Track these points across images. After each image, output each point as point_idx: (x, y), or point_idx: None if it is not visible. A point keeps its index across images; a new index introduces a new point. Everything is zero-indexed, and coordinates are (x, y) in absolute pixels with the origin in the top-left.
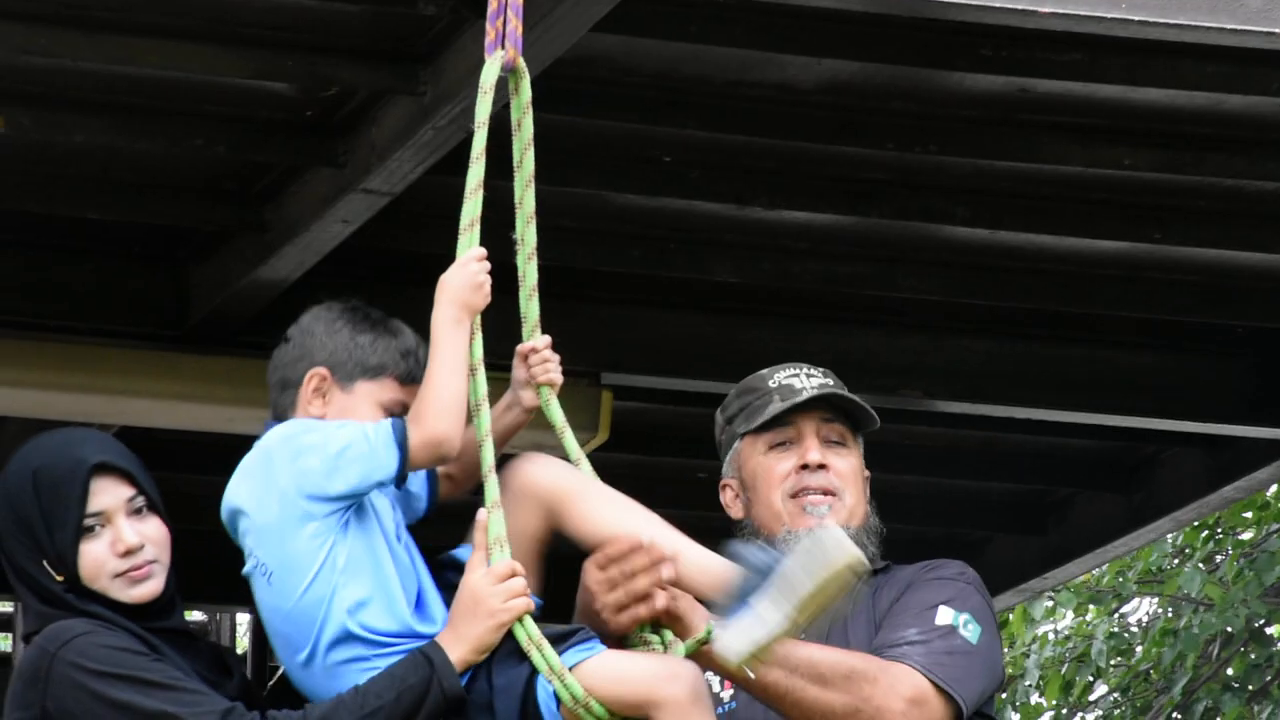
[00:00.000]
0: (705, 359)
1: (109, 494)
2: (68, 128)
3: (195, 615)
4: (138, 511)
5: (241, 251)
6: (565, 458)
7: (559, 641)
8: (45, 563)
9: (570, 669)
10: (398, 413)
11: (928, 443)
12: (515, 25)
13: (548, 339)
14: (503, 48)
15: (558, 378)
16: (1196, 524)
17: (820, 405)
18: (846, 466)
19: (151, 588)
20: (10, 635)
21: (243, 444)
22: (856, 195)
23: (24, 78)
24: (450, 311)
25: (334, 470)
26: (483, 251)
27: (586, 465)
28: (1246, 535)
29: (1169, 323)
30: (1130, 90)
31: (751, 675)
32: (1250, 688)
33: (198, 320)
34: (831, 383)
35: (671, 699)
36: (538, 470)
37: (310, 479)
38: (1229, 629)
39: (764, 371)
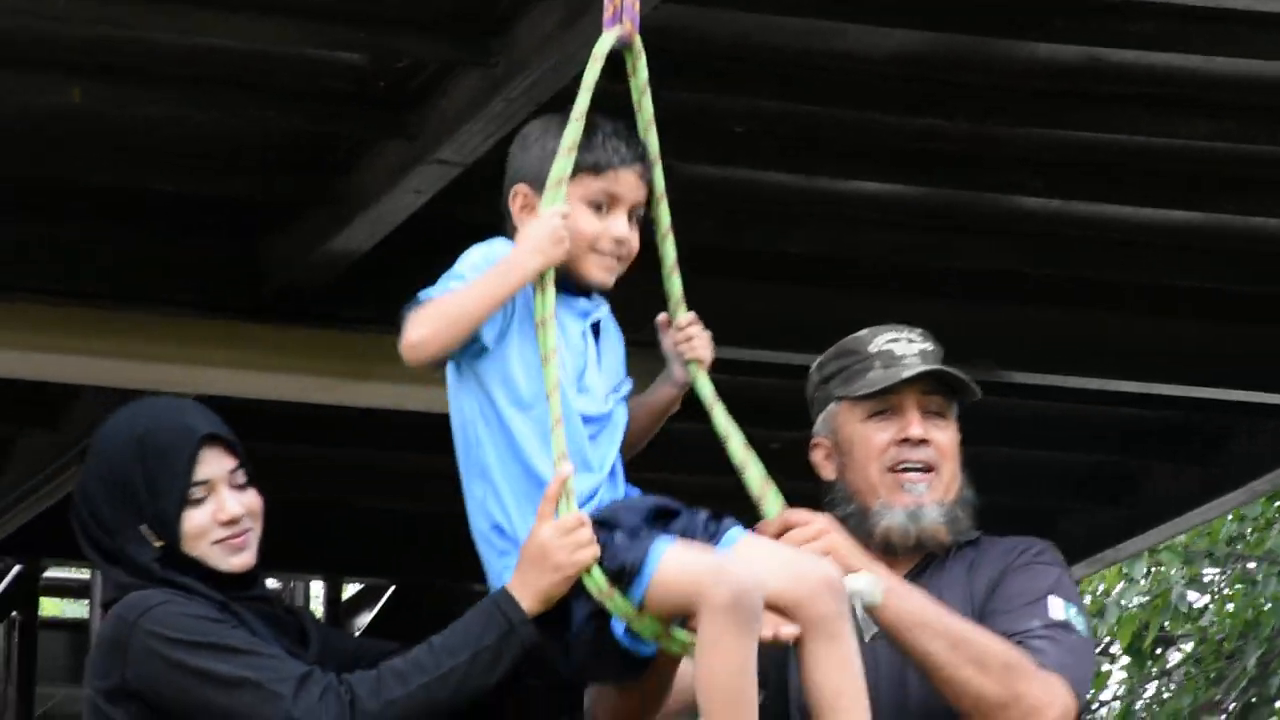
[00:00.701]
0: (775, 329)
1: (215, 464)
2: (141, 100)
3: (269, 583)
4: (239, 484)
5: (314, 223)
6: (715, 432)
7: (626, 579)
8: (143, 527)
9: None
10: (605, 203)
11: (1000, 413)
12: (633, 1)
13: (692, 315)
14: (620, 23)
15: (706, 354)
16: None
17: (923, 376)
18: (945, 439)
19: (247, 558)
20: (88, 602)
21: (317, 413)
22: (926, 166)
23: (98, 50)
24: (519, 254)
25: None
26: (567, 209)
27: (736, 438)
28: None
29: (1242, 293)
30: (1203, 60)
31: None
32: None
33: (272, 292)
34: (931, 348)
35: (709, 600)
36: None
37: None
38: None
39: (864, 333)
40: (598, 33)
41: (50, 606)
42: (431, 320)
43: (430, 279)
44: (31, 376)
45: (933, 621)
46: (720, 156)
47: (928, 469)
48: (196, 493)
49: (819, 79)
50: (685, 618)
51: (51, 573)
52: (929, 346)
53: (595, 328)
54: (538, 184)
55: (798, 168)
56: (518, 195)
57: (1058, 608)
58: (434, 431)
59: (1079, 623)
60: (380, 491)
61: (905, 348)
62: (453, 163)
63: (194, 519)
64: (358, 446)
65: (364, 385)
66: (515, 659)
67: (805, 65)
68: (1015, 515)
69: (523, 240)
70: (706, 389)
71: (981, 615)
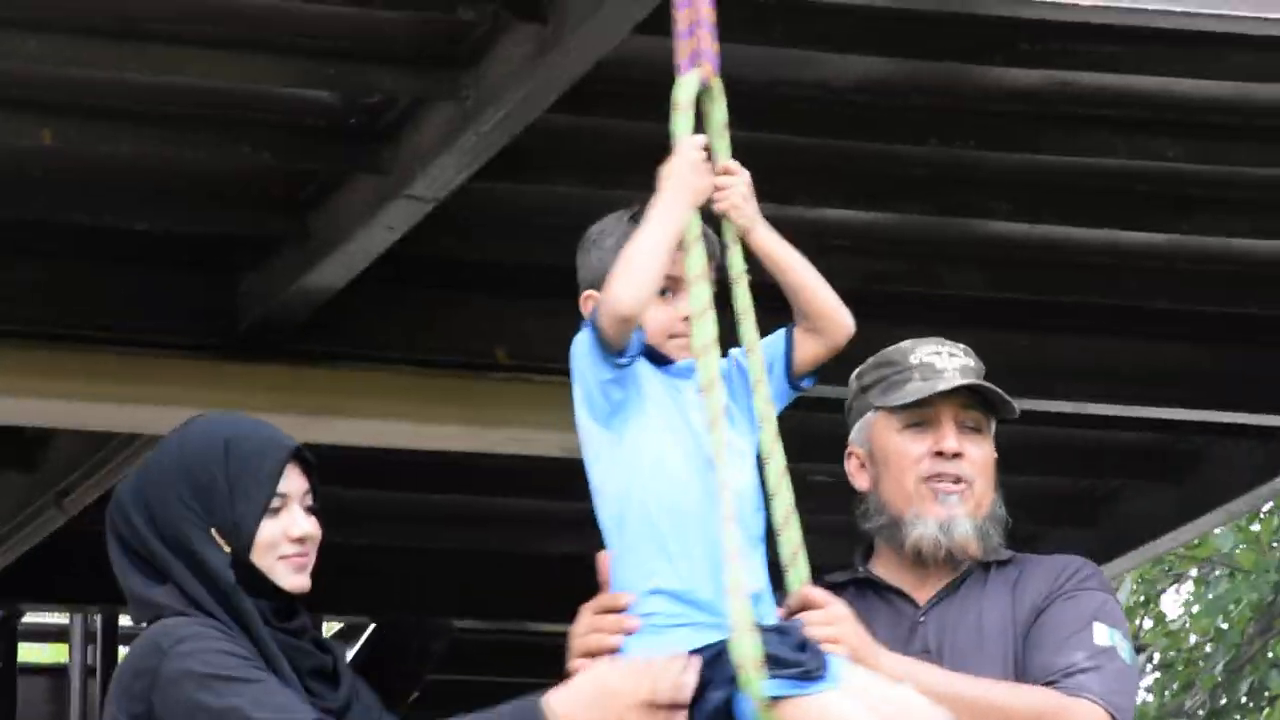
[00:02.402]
0: None
1: (295, 481)
2: (113, 138)
3: None
4: (308, 505)
5: (287, 260)
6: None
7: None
8: (214, 530)
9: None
10: (670, 287)
11: None
12: (710, 44)
13: (746, 175)
14: (699, 65)
15: (734, 212)
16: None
17: (962, 391)
18: (980, 455)
19: (305, 580)
20: (68, 646)
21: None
22: (896, 192)
23: (70, 89)
24: (663, 194)
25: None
26: (701, 139)
27: (757, 356)
28: None
29: (1213, 314)
30: (1171, 82)
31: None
32: None
33: (245, 329)
34: (973, 364)
35: None
36: None
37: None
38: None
39: (906, 344)
40: (568, 64)
41: (28, 652)
42: (616, 277)
43: (404, 314)
44: (5, 420)
45: (951, 697)
46: None
47: (961, 482)
48: (275, 503)
49: (787, 108)
50: None
51: (30, 618)
52: (970, 362)
53: None
54: (598, 285)
55: (769, 196)
56: (588, 301)
57: (1102, 634)
58: (409, 467)
59: (1123, 648)
60: (358, 528)
61: (946, 361)
62: (424, 199)
63: (268, 529)
64: (332, 484)
65: (338, 422)
66: None
67: (773, 95)
68: None
69: (664, 181)
70: (736, 262)
71: (1025, 639)
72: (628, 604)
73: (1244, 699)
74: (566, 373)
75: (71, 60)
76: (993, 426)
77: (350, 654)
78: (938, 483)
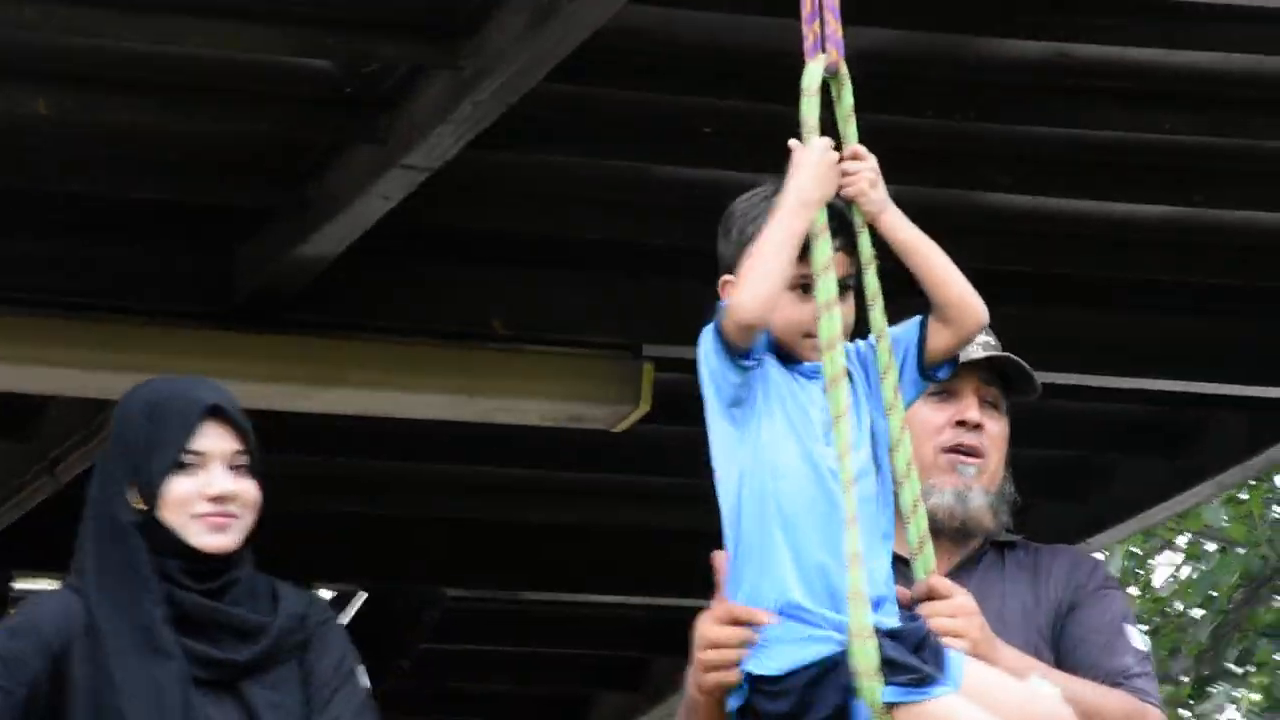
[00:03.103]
0: None
1: (216, 439)
2: (110, 107)
3: None
4: (238, 468)
5: (285, 229)
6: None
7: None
8: (134, 487)
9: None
10: (808, 284)
11: None
12: (835, 27)
13: (873, 161)
14: (824, 50)
15: (862, 198)
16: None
17: (982, 366)
18: (997, 430)
19: (225, 540)
20: None
21: (288, 419)
22: (896, 163)
23: (67, 58)
24: (790, 190)
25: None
26: (829, 141)
27: (886, 343)
28: None
29: (1211, 286)
30: (1171, 53)
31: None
32: None
33: (242, 298)
34: (994, 341)
35: None
36: None
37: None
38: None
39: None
40: (565, 34)
41: None
42: (741, 281)
43: (401, 283)
44: (1, 387)
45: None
46: (691, 158)
47: (979, 455)
48: (188, 459)
49: (789, 78)
50: None
51: (21, 584)
52: (990, 339)
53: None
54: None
55: (768, 167)
56: (726, 286)
57: (1136, 638)
58: (404, 436)
59: (1149, 649)
60: (351, 497)
61: None
62: (420, 168)
63: (181, 486)
64: (328, 452)
65: (334, 391)
66: None
67: (775, 65)
68: None
69: (792, 176)
70: (865, 245)
71: (1058, 633)
72: (754, 619)
73: (1231, 665)
74: (561, 342)
75: (68, 29)
76: (1007, 405)
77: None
78: (956, 453)
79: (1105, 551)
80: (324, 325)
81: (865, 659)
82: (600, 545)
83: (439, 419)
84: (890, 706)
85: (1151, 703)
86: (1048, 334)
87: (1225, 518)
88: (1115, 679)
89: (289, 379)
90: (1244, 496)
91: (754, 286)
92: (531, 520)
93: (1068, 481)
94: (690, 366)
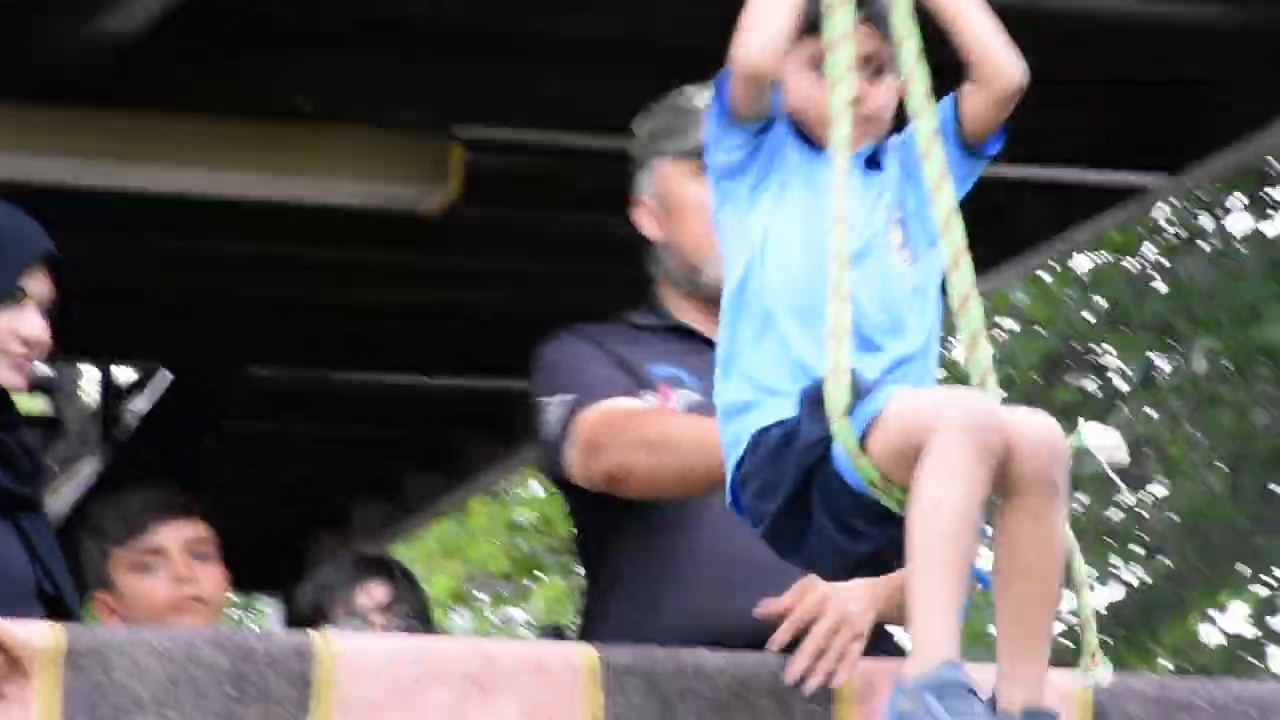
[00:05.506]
0: (563, 112)
1: (42, 284)
2: None
3: (43, 370)
4: (48, 311)
5: (84, 1)
6: None
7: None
8: None
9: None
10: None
11: None
12: None
13: None
14: None
15: None
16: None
17: None
18: None
19: (19, 381)
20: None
21: (92, 197)
22: None
23: None
24: None
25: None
26: None
27: (924, 121)
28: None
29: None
30: None
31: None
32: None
33: (42, 73)
34: None
35: (942, 420)
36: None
37: None
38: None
39: (691, 88)
40: None
41: None
42: (746, 26)
43: (206, 60)
44: None
45: None
46: None
47: None
48: (15, 298)
49: None
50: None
51: None
52: None
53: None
54: None
55: None
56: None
57: None
58: (211, 215)
59: None
60: (155, 276)
61: None
62: None
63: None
64: (133, 231)
65: (138, 167)
66: None
67: None
68: None
69: None
70: (902, 19)
71: None
72: None
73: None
74: (370, 121)
75: None
76: None
77: (146, 404)
78: None
79: None
80: (129, 102)
81: (838, 398)
82: (412, 327)
83: (246, 197)
84: (863, 439)
85: None
86: None
87: (1026, 297)
88: None
89: (92, 154)
90: (1047, 278)
91: (759, 26)
92: (342, 301)
93: None
94: (506, 149)
